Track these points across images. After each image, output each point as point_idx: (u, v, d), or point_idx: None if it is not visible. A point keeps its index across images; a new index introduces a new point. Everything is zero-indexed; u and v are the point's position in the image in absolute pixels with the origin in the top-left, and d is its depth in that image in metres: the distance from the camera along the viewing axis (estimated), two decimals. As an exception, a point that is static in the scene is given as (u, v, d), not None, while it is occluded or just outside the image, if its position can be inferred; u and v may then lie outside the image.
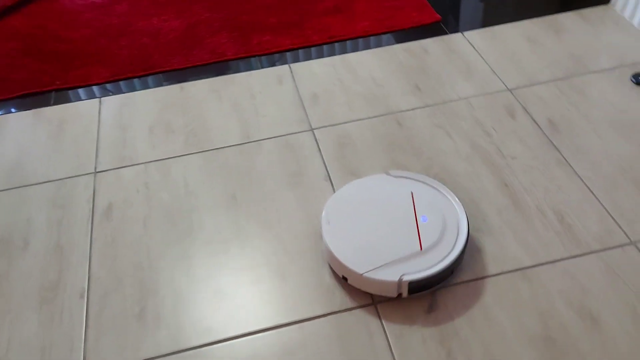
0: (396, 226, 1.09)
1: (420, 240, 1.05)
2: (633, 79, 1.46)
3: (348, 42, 1.73)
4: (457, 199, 1.13)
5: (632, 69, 1.50)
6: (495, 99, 1.47)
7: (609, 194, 1.21)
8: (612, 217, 1.16)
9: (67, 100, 1.61)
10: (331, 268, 1.12)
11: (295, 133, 1.43)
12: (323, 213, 1.13)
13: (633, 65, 1.51)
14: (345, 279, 1.07)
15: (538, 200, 1.21)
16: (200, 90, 1.59)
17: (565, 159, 1.29)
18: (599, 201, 1.20)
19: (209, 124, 1.48)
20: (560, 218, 1.17)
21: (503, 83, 1.51)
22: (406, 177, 1.20)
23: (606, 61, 1.54)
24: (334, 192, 1.27)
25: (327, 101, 1.52)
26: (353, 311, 1.06)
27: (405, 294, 1.03)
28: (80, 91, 1.64)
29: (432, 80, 1.55)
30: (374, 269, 1.02)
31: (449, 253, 1.04)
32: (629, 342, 0.97)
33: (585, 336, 0.98)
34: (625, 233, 1.13)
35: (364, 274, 1.02)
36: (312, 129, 1.44)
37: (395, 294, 1.04)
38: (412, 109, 1.47)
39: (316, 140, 1.41)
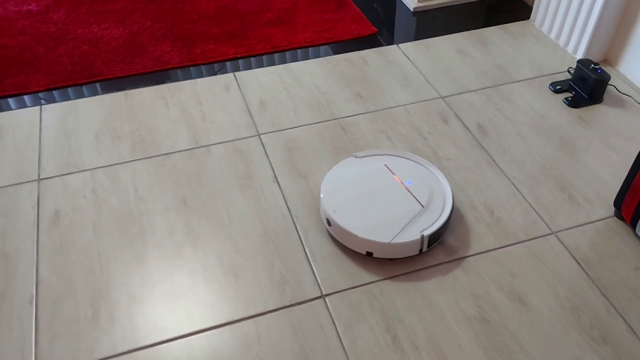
0: (390, 195, 1.21)
1: (418, 200, 1.20)
2: (551, 87, 1.62)
3: (291, 52, 1.80)
4: (423, 160, 1.29)
5: (551, 78, 1.66)
6: (430, 106, 1.58)
7: (532, 189, 1.33)
8: (535, 211, 1.28)
9: (5, 108, 1.58)
10: (341, 252, 1.18)
11: (244, 138, 1.47)
12: (323, 207, 1.21)
13: (551, 75, 1.67)
14: (370, 254, 1.16)
15: (470, 197, 1.31)
16: (146, 98, 1.61)
17: (493, 159, 1.41)
18: (524, 196, 1.32)
19: (156, 130, 1.50)
20: (491, 212, 1.28)
21: (436, 91, 1.62)
22: (372, 155, 1.32)
23: (528, 71, 1.69)
24: (282, 193, 1.33)
25: (274, 108, 1.57)
26: (303, 305, 1.11)
27: (425, 248, 1.16)
28: (19, 99, 1.61)
29: (372, 89, 1.64)
30: (396, 235, 1.14)
31: (445, 202, 1.20)
32: (552, 318, 1.08)
33: (514, 315, 1.08)
34: (546, 224, 1.25)
35: (391, 242, 1.13)
36: (259, 134, 1.49)
37: (417, 251, 1.16)
38: (355, 115, 1.55)
39: (263, 145, 1.46)
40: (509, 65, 1.71)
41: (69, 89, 1.64)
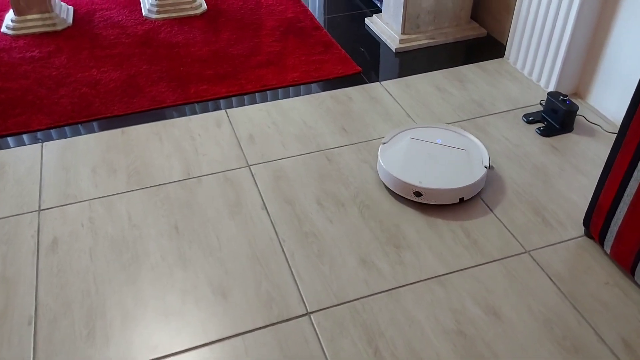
0: (438, 154, 1.47)
1: (459, 148, 1.49)
2: (524, 119, 1.71)
3: (280, 90, 1.90)
4: (434, 123, 1.62)
5: (524, 110, 1.76)
6: (410, 137, 1.67)
7: (507, 213, 1.40)
8: (510, 232, 1.35)
9: (8, 146, 1.67)
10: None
11: (234, 169, 1.56)
12: (407, 186, 1.39)
13: (524, 108, 1.77)
14: (462, 199, 1.40)
15: (448, 221, 1.38)
16: (142, 134, 1.70)
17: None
18: (499, 219, 1.39)
19: (150, 163, 1.58)
20: (467, 234, 1.35)
21: (416, 124, 1.72)
22: (395, 135, 1.55)
23: (503, 105, 1.79)
24: (270, 218, 1.39)
25: (263, 141, 1.66)
26: (289, 322, 1.16)
27: (489, 167, 1.45)
28: (22, 137, 1.70)
29: (356, 123, 1.73)
30: (474, 174, 1.41)
31: (473, 140, 1.52)
32: (525, 330, 1.13)
33: (490, 328, 1.13)
34: (520, 244, 1.32)
35: (476, 181, 1.40)
36: (249, 165, 1.57)
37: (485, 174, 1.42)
38: (340, 147, 1.64)
39: (253, 175, 1.54)
40: (485, 99, 1.82)
41: (69, 128, 1.73)
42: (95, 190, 1.49)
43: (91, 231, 1.37)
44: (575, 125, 1.67)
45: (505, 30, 2.10)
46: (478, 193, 1.46)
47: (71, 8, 2.37)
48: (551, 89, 1.82)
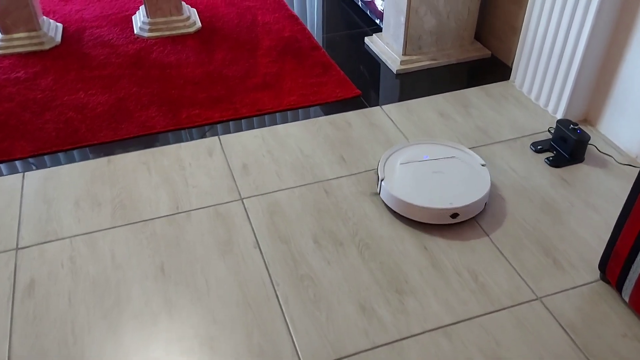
0: (439, 171, 1.45)
1: (447, 157, 1.49)
2: (532, 147, 1.63)
3: (276, 114, 1.82)
4: (423, 139, 1.60)
5: (532, 138, 1.67)
6: (412, 167, 1.58)
7: (516, 253, 1.32)
8: (520, 275, 1.26)
9: (-12, 174, 1.58)
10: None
11: (225, 203, 1.47)
12: (440, 212, 1.35)
13: (532, 136, 1.69)
14: (455, 215, 1.35)
15: (454, 262, 1.30)
16: (129, 163, 1.61)
17: (477, 221, 1.40)
18: (508, 261, 1.30)
19: (137, 196, 1.49)
20: (475, 277, 1.26)
21: (419, 153, 1.64)
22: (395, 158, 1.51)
23: (509, 132, 1.71)
24: (263, 258, 1.30)
25: (257, 171, 1.57)
26: (284, 378, 1.07)
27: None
28: (2, 166, 1.61)
29: (355, 151, 1.65)
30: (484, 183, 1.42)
31: (460, 148, 1.53)
32: (541, 392, 1.04)
33: (501, 389, 1.04)
34: (531, 289, 1.23)
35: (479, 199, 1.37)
36: (241, 199, 1.48)
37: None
38: (338, 178, 1.55)
39: (245, 209, 1.45)
40: (490, 126, 1.73)
41: (52, 156, 1.64)
42: (77, 226, 1.40)
43: (71, 272, 1.28)
44: (586, 155, 1.59)
45: (510, 52, 2.02)
46: (486, 232, 1.37)
47: (60, 25, 2.29)
48: (560, 115, 1.74)
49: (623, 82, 1.59)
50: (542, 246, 1.33)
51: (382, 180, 1.42)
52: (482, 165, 1.45)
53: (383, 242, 1.35)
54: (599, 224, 1.39)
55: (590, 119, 1.73)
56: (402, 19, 1.95)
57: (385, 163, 1.48)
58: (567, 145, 1.57)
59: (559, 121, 1.60)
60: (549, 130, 1.69)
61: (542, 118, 1.77)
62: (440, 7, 1.95)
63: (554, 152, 1.60)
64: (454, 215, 1.35)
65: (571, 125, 1.56)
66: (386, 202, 1.42)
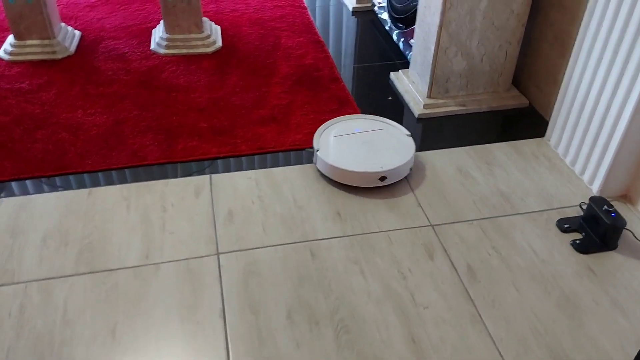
0: (370, 141, 1.59)
1: (376, 128, 1.64)
2: (559, 225, 1.41)
3: (277, 154, 1.67)
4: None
5: (560, 213, 1.46)
6: (416, 235, 1.40)
7: (520, 359, 1.12)
8: (520, 392, 1.07)
9: (-34, 194, 1.50)
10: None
11: (200, 257, 1.32)
12: (372, 175, 1.49)
13: (560, 210, 1.47)
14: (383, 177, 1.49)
15: (444, 363, 1.11)
16: (110, 197, 1.49)
17: (479, 313, 1.21)
18: (508, 370, 1.10)
19: (109, 238, 1.37)
20: (464, 388, 1.07)
21: (427, 217, 1.45)
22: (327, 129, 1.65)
23: (534, 202, 1.49)
24: (226, 332, 1.15)
25: (242, 220, 1.43)
26: None
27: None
28: (-17, 185, 1.53)
29: (354, 207, 1.47)
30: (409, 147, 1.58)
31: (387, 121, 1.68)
32: None
33: None
34: (531, 413, 1.03)
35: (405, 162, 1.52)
36: (218, 253, 1.34)
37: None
38: (329, 238, 1.38)
39: (220, 267, 1.30)
40: (514, 192, 1.53)
41: (35, 181, 1.55)
42: (37, 269, 1.29)
43: (17, 324, 1.17)
44: (620, 242, 1.36)
45: (549, 104, 1.80)
46: (489, 331, 1.17)
47: (78, 34, 2.22)
48: (596, 187, 1.51)
49: (675, 159, 1.35)
50: (552, 352, 1.12)
51: (317, 151, 1.54)
52: (407, 135, 1.61)
53: (366, 326, 1.17)
54: (626, 332, 1.17)
55: (631, 195, 1.49)
56: (430, 58, 1.77)
57: (320, 136, 1.61)
58: (598, 228, 1.35)
59: (592, 199, 1.38)
60: (580, 206, 1.47)
61: (575, 188, 1.54)
62: (473, 48, 1.75)
63: (583, 233, 1.38)
64: (382, 178, 1.49)
65: (605, 206, 1.34)
66: (322, 171, 1.55)
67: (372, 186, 1.50)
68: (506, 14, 1.70)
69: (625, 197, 1.51)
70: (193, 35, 2.14)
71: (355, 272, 1.29)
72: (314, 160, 1.57)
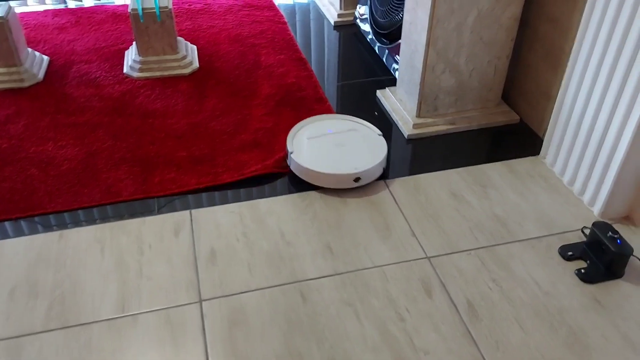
0: (342, 142, 1.62)
1: (347, 129, 1.67)
2: (561, 252, 1.34)
3: (262, 184, 1.58)
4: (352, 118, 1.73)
5: (561, 239, 1.38)
6: (412, 269, 1.31)
7: (531, 409, 1.04)
8: None
9: None
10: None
11: (181, 306, 1.23)
12: (345, 176, 1.51)
13: (561, 235, 1.40)
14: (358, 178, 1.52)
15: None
16: (83, 240, 1.39)
17: (483, 357, 1.13)
18: (518, 422, 1.02)
19: (82, 287, 1.27)
20: None
21: (422, 248, 1.37)
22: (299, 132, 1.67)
23: (533, 227, 1.42)
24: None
25: (226, 261, 1.33)
26: None
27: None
28: (-56, 231, 1.42)
29: (346, 240, 1.39)
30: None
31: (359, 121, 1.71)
32: None
33: None
34: None
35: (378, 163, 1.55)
36: (200, 300, 1.24)
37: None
38: (320, 277, 1.30)
39: (203, 316, 1.21)
40: (511, 216, 1.45)
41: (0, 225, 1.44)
42: (4, 327, 1.18)
43: (-19, 392, 1.07)
44: (627, 269, 1.29)
45: (542, 120, 1.73)
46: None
47: (46, 59, 2.10)
48: (597, 209, 1.44)
49: (679, 179, 1.29)
50: (564, 401, 1.05)
51: (291, 154, 1.55)
52: (379, 135, 1.63)
53: (363, 377, 1.09)
54: (639, 372, 1.10)
55: (635, 217, 1.43)
56: (417, 77, 1.69)
57: (293, 138, 1.62)
58: (604, 256, 1.28)
59: (595, 224, 1.31)
60: (582, 231, 1.40)
61: (575, 210, 1.47)
62: (462, 65, 1.67)
63: (587, 260, 1.31)
64: (357, 179, 1.51)
65: (610, 232, 1.27)
66: (296, 173, 1.56)
67: (347, 187, 1.52)
68: (494, 28, 1.63)
69: (629, 219, 1.44)
70: (168, 57, 2.04)
71: (350, 316, 1.21)
72: (288, 163, 1.58)
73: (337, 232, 1.41)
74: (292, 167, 1.56)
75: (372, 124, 1.68)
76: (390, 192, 1.54)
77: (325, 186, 1.52)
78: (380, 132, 1.64)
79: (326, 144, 1.59)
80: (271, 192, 1.55)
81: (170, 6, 1.97)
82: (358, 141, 1.60)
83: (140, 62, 2.03)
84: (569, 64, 1.45)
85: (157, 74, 2.03)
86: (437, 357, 1.13)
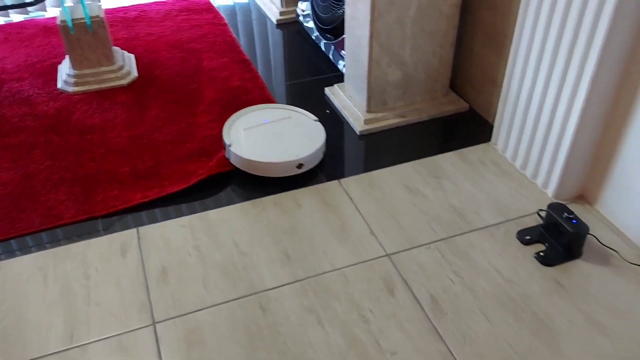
0: (278, 131, 1.60)
1: (284, 116, 1.66)
2: (519, 237, 1.34)
3: (212, 193, 1.51)
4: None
5: (518, 224, 1.38)
6: (372, 268, 1.28)
7: (502, 401, 1.02)
8: None
9: None
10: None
11: (133, 330, 1.16)
12: (290, 164, 1.51)
13: (518, 220, 1.39)
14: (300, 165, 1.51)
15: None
16: (24, 269, 1.29)
17: (451, 352, 1.10)
18: (491, 416, 1.00)
19: (26, 319, 1.18)
20: None
21: (382, 246, 1.34)
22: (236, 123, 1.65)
23: (489, 215, 1.41)
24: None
25: (178, 278, 1.27)
26: None
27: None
28: None
29: (303, 245, 1.34)
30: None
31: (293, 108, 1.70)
32: None
33: None
34: None
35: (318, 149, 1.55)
36: (154, 323, 1.17)
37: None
38: (279, 287, 1.25)
39: (157, 339, 1.14)
40: (467, 206, 1.44)
41: None
42: (-63, 372, 1.09)
43: None
44: (585, 248, 1.29)
45: (490, 105, 1.73)
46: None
47: (-27, 79, 1.98)
48: (551, 191, 1.45)
49: (627, 156, 1.30)
50: (534, 389, 1.04)
51: (230, 146, 1.53)
52: (315, 121, 1.63)
53: (330, 386, 1.05)
54: (607, 351, 1.09)
55: (588, 195, 1.44)
56: (363, 71, 1.66)
57: (230, 130, 1.60)
58: (561, 238, 1.27)
59: (550, 206, 1.30)
60: (538, 214, 1.40)
61: (529, 193, 1.47)
62: (406, 57, 1.65)
63: (546, 243, 1.31)
64: (300, 166, 1.50)
65: (565, 213, 1.27)
66: (237, 165, 1.54)
67: (290, 174, 1.51)
68: (436, 18, 1.61)
69: (582, 198, 1.45)
70: (104, 69, 1.95)
71: (313, 323, 1.16)
72: (227, 155, 1.56)
73: (293, 237, 1.37)
74: (232, 160, 1.54)
75: (321, 121, 1.64)
76: (345, 191, 1.51)
77: (268, 175, 1.51)
78: (316, 118, 1.64)
79: (263, 133, 1.57)
80: (221, 201, 1.48)
81: (102, 15, 1.88)
82: (295, 128, 1.60)
83: (75, 76, 1.93)
84: (512, 48, 1.45)
85: (94, 87, 1.93)
86: (404, 356, 1.09)
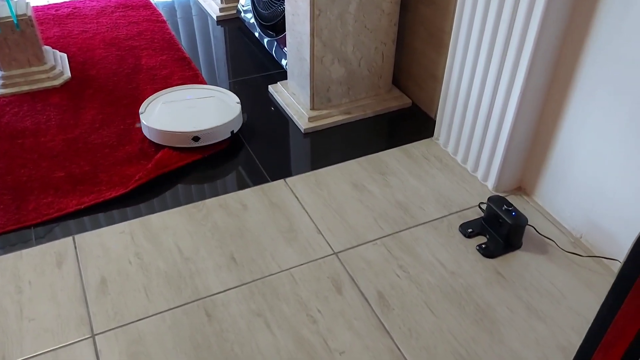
0: (194, 105, 1.66)
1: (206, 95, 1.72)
2: (461, 230, 1.36)
3: (151, 198, 1.47)
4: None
5: (461, 217, 1.40)
6: (320, 267, 1.27)
7: (449, 393, 1.04)
8: None
9: None
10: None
11: (71, 344, 1.10)
12: (185, 135, 1.56)
13: (461, 214, 1.42)
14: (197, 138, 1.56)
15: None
16: (-52, 286, 1.22)
17: (398, 347, 1.11)
18: (439, 409, 1.02)
19: (-50, 340, 1.11)
20: None
21: (329, 245, 1.33)
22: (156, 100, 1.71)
23: (433, 209, 1.43)
24: None
25: (119, 288, 1.22)
26: None
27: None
28: None
29: (250, 247, 1.32)
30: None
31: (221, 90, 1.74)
32: None
33: None
34: None
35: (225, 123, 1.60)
36: (93, 335, 1.12)
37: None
38: (225, 291, 1.22)
39: (97, 352, 1.09)
40: (412, 201, 1.45)
41: None
42: None
43: None
44: (524, 239, 1.33)
45: (432, 101, 1.75)
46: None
47: None
48: (491, 183, 1.48)
49: (561, 147, 1.34)
50: (480, 380, 1.06)
51: (141, 114, 1.61)
52: (237, 103, 1.66)
53: (279, 390, 1.04)
54: (546, 339, 1.13)
55: (526, 187, 1.48)
56: (306, 69, 1.65)
57: (150, 102, 1.66)
58: (501, 229, 1.31)
59: (490, 199, 1.33)
60: (479, 206, 1.43)
61: (470, 187, 1.50)
62: (349, 54, 1.65)
63: (487, 235, 1.34)
64: (196, 139, 1.54)
65: (505, 206, 1.30)
66: (146, 135, 1.61)
67: (186, 146, 1.56)
68: (377, 14, 1.62)
69: (521, 190, 1.49)
70: (34, 69, 1.85)
71: (261, 327, 1.15)
72: (139, 125, 1.65)
73: (240, 240, 1.34)
74: (143, 130, 1.62)
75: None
76: (291, 190, 1.49)
77: (168, 145, 1.56)
78: (238, 100, 1.67)
79: (178, 107, 1.63)
80: (163, 205, 1.44)
81: (30, 13, 1.79)
82: (211, 106, 1.64)
83: (3, 77, 1.83)
84: (451, 44, 1.47)
85: (24, 88, 1.83)
86: (353, 355, 1.09)
